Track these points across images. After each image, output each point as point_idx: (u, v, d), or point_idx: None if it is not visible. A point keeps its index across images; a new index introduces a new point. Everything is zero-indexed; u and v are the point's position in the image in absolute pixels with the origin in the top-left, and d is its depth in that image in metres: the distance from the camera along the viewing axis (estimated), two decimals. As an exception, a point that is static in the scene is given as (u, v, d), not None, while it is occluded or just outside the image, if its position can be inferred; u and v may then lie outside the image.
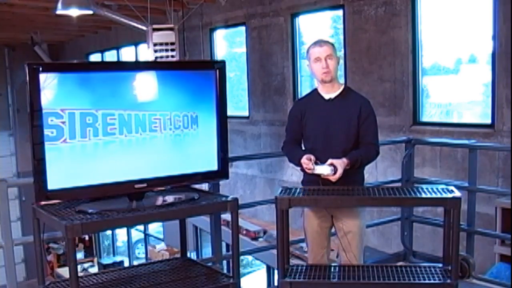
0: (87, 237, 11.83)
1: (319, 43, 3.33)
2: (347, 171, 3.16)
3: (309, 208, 3.39)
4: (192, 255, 9.13)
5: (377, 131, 3.39)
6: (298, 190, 3.16)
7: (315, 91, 3.42)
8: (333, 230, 3.46)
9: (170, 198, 3.07)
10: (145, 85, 3.12)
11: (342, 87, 3.39)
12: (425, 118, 6.48)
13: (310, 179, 3.27)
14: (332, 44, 3.36)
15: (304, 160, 3.18)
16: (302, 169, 3.30)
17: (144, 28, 8.11)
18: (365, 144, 3.30)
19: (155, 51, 7.85)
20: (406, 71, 6.39)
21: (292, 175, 7.37)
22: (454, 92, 6.47)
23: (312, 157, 3.18)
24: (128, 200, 3.04)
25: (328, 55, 3.26)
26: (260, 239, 7.88)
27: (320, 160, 3.18)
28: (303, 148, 3.41)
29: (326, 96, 3.35)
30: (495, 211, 4.98)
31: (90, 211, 2.79)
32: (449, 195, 2.98)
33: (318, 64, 3.27)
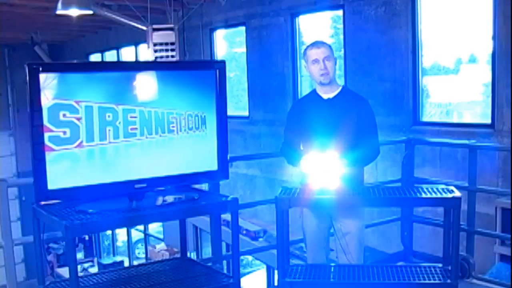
0: (87, 237, 11.84)
1: (316, 44, 3.32)
2: (347, 171, 3.16)
3: (308, 209, 3.38)
4: (192, 255, 9.13)
5: (377, 131, 3.39)
6: (298, 190, 3.16)
7: (313, 92, 3.43)
8: (332, 230, 3.46)
9: (170, 198, 3.07)
10: (157, 84, 3.04)
11: (340, 87, 3.39)
12: (425, 118, 6.48)
13: (309, 179, 3.26)
14: (329, 46, 3.36)
15: (304, 161, 3.18)
16: (301, 170, 3.31)
17: (144, 28, 8.11)
18: (365, 144, 3.30)
19: (155, 51, 7.85)
20: (406, 71, 6.39)
21: (292, 175, 7.37)
22: (454, 92, 6.47)
23: (311, 158, 3.18)
24: (128, 200, 3.04)
25: (326, 56, 3.26)
26: (260, 239, 7.88)
27: (319, 161, 3.17)
28: (302, 149, 3.41)
29: (325, 96, 3.35)
30: (495, 211, 4.98)
31: (90, 211, 2.79)
32: (449, 195, 2.98)
33: (316, 65, 3.27)
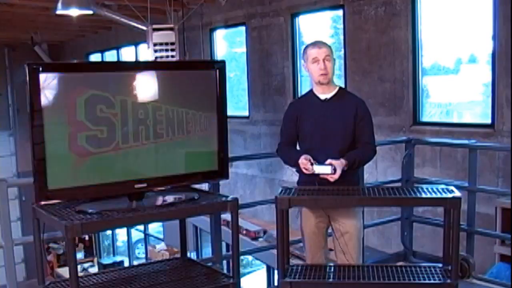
0: (87, 237, 11.83)
1: (317, 44, 3.33)
2: (344, 171, 3.17)
3: (306, 209, 3.39)
4: (192, 255, 9.13)
5: (373, 131, 3.40)
6: (298, 190, 3.16)
7: (310, 92, 3.43)
8: (329, 230, 3.46)
9: (170, 198, 3.07)
10: (167, 84, 2.97)
11: (337, 88, 3.40)
12: (425, 118, 6.48)
13: (307, 179, 3.26)
14: (330, 46, 3.36)
15: (302, 160, 3.19)
16: (298, 170, 3.31)
17: (144, 28, 8.10)
18: (361, 144, 3.32)
19: (155, 51, 7.84)
20: (406, 71, 6.39)
21: (292, 175, 7.35)
22: (454, 92, 6.47)
23: (310, 157, 3.18)
24: (128, 200, 3.04)
25: (326, 56, 3.27)
26: (260, 239, 7.88)
27: (317, 161, 3.18)
28: (298, 149, 3.42)
29: (322, 97, 3.35)
30: (495, 211, 4.98)
31: (90, 211, 2.79)
32: (449, 195, 2.98)
33: (316, 65, 3.28)
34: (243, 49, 9.20)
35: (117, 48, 12.73)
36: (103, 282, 3.19)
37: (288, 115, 3.48)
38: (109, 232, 13.05)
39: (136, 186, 3.01)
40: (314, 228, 3.38)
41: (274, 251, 3.29)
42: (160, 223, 10.92)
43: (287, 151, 3.42)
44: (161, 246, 10.94)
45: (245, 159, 7.93)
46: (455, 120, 6.46)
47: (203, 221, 7.74)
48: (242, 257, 7.30)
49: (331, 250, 3.52)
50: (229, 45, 10.15)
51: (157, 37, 7.84)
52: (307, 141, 3.35)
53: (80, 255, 11.48)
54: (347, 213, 3.33)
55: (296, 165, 3.27)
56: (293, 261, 3.70)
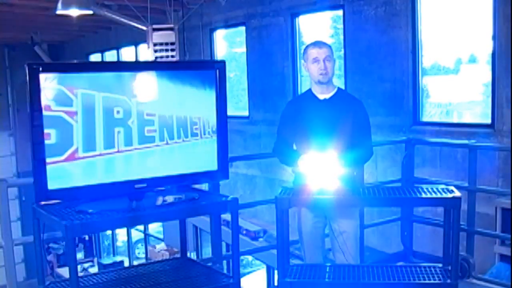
0: (87, 237, 11.84)
1: (318, 44, 3.34)
2: (344, 171, 3.17)
3: (304, 208, 3.39)
4: (192, 255, 9.13)
5: (370, 133, 3.41)
6: (297, 190, 3.16)
7: (309, 92, 3.44)
8: (327, 231, 3.46)
9: (170, 198, 3.07)
10: (167, 85, 2.88)
11: (336, 89, 3.41)
12: (425, 118, 6.48)
13: (304, 179, 3.26)
14: (330, 46, 3.37)
15: (301, 160, 3.18)
16: (294, 170, 3.31)
17: (144, 28, 8.11)
18: (359, 146, 3.32)
19: (155, 51, 7.85)
20: (406, 71, 6.39)
21: (293, 175, 7.36)
22: (454, 92, 6.47)
23: (308, 158, 3.18)
24: (128, 200, 3.04)
25: (327, 57, 3.28)
26: (260, 239, 7.88)
27: (314, 161, 3.18)
28: (295, 149, 3.42)
29: (321, 97, 3.36)
30: (495, 211, 4.98)
31: (90, 211, 2.79)
32: (449, 195, 2.98)
33: (316, 65, 3.28)
34: (243, 49, 9.20)
35: (117, 48, 12.73)
36: (103, 282, 3.19)
37: (285, 114, 3.48)
38: (109, 232, 13.05)
39: (136, 186, 3.01)
40: (312, 228, 3.39)
41: (274, 251, 3.29)
42: (160, 223, 10.92)
43: (285, 151, 3.43)
44: (161, 246, 10.95)
45: (245, 159, 7.92)
46: (455, 120, 6.46)
47: (203, 221, 7.74)
48: (242, 257, 7.30)
49: (329, 250, 3.53)
50: (229, 45, 10.15)
51: (157, 37, 7.85)
52: (305, 141, 3.34)
53: (80, 255, 11.49)
54: (345, 213, 3.34)
55: (294, 165, 3.27)
56: (293, 261, 3.70)
